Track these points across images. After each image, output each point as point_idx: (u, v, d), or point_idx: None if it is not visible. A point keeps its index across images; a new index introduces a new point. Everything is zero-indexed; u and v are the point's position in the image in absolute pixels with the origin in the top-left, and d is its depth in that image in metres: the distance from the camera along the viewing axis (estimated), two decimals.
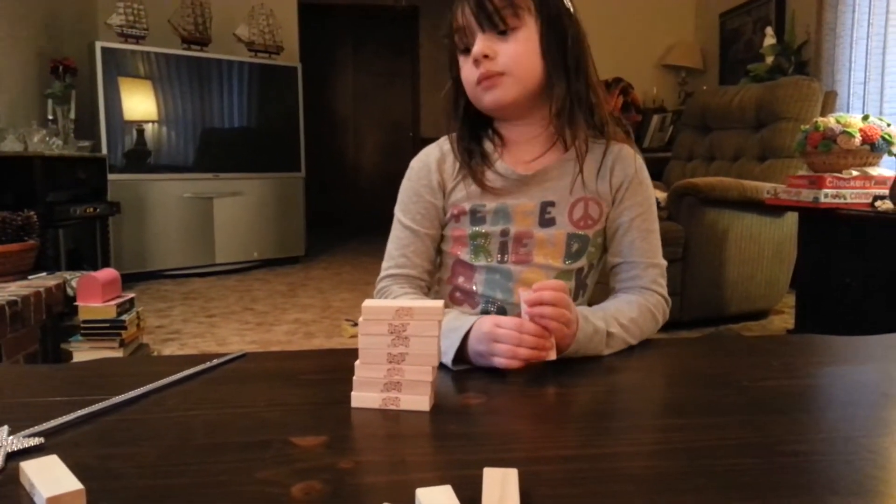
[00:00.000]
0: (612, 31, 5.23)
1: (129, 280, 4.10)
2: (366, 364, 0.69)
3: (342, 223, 7.37)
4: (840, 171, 2.38)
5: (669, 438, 0.62)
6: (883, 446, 0.60)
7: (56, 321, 2.44)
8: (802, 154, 2.57)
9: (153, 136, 4.59)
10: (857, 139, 2.36)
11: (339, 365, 0.73)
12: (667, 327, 3.15)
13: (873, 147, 2.38)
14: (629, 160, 1.00)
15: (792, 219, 2.89)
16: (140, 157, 4.49)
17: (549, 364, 0.82)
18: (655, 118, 5.05)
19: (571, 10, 0.99)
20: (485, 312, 1.01)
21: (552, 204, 0.98)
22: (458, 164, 1.02)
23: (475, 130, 1.03)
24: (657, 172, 3.93)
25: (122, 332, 2.34)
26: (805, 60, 4.00)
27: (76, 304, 2.35)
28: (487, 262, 1.00)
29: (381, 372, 0.68)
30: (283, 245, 5.15)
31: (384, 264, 1.04)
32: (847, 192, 2.33)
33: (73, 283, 2.56)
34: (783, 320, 3.15)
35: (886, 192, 2.26)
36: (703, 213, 2.94)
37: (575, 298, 1.02)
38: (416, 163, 1.06)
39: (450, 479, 0.48)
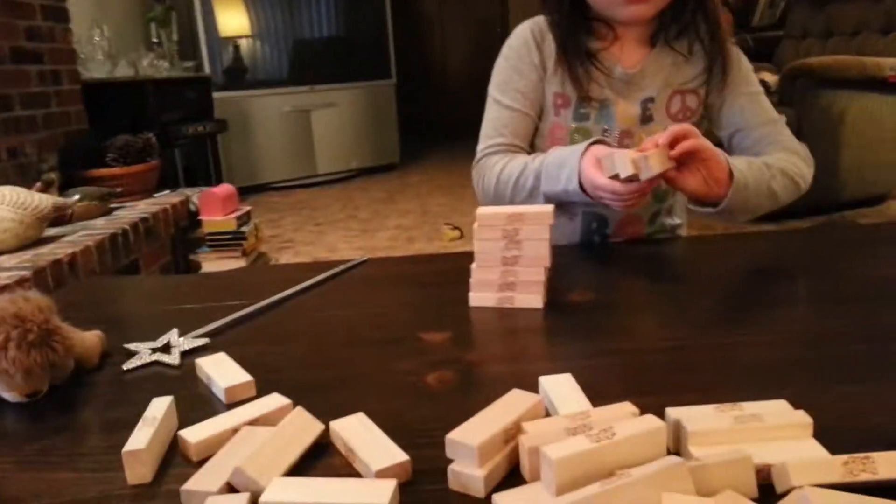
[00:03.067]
0: None
1: (240, 193, 4.32)
2: (482, 266, 0.74)
3: (433, 128, 7.38)
4: None
5: (778, 328, 0.64)
6: None
7: (183, 234, 2.64)
8: None
9: (249, 51, 4.69)
10: None
11: (456, 267, 0.78)
12: (777, 216, 3.02)
13: None
14: (732, 53, 0.99)
15: None
16: (239, 74, 4.62)
17: (656, 251, 0.85)
18: None
19: None
20: (586, 224, 1.03)
21: (651, 100, 0.98)
22: (555, 49, 0.98)
23: (578, 21, 0.98)
24: (767, 54, 3.69)
25: (243, 242, 2.51)
26: None
27: (199, 218, 2.53)
28: None
29: (496, 273, 0.73)
30: (379, 153, 5.24)
31: (479, 146, 1.02)
32: None
33: (195, 199, 2.74)
34: None
35: None
36: (817, 96, 2.76)
37: (674, 194, 1.03)
38: (513, 40, 1.02)
39: (567, 369, 0.53)
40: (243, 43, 4.65)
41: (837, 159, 2.85)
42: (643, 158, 0.76)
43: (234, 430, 0.48)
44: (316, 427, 0.47)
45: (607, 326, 0.68)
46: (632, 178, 0.78)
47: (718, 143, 0.99)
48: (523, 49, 1.00)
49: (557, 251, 0.74)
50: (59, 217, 2.00)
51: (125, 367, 0.63)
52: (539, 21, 1.01)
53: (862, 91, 2.76)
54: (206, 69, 4.34)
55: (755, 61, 3.56)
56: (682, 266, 0.86)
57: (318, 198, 4.37)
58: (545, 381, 0.51)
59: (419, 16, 7.42)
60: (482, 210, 0.73)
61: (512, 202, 0.95)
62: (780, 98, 2.84)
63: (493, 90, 1.02)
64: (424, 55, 7.53)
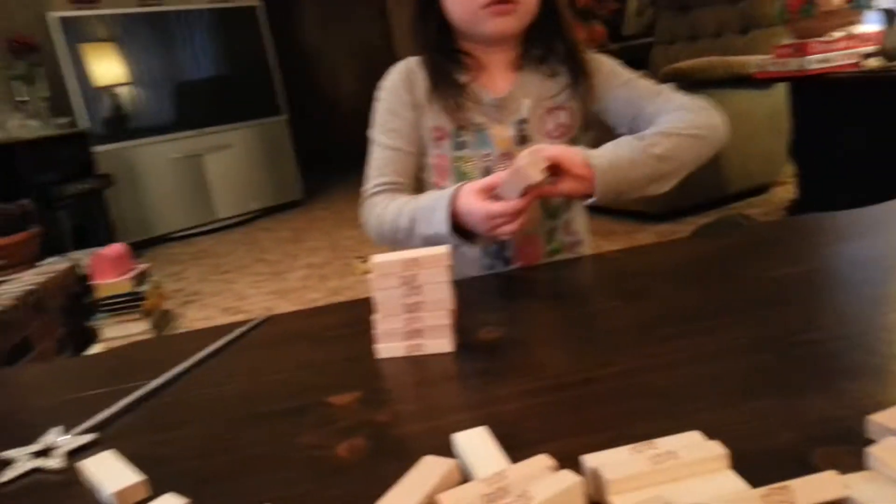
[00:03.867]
0: None
1: (137, 248, 4.12)
2: (385, 316, 0.71)
3: (333, 159, 7.32)
4: (824, 35, 2.33)
5: (684, 345, 0.64)
6: (894, 322, 0.63)
7: (77, 301, 2.49)
8: (784, 23, 2.51)
9: (129, 99, 4.51)
10: None
11: (360, 317, 0.75)
12: (671, 215, 3.15)
13: (856, 4, 2.33)
14: (591, 61, 1.03)
15: (782, 90, 2.86)
16: (120, 124, 4.43)
17: (559, 276, 0.86)
18: (632, 2, 4.90)
19: None
20: (485, 248, 1.05)
21: (524, 121, 1.01)
22: (427, 85, 1.02)
23: (445, 55, 1.02)
24: (641, 60, 3.85)
25: (142, 302, 2.39)
26: None
27: (91, 283, 2.39)
28: None
29: (401, 322, 0.71)
30: (281, 191, 5.14)
31: (364, 186, 1.04)
32: (834, 55, 2.29)
33: (84, 262, 2.59)
34: (786, 191, 3.16)
35: (875, 48, 2.22)
36: (691, 97, 2.90)
37: (567, 210, 1.05)
38: (386, 82, 1.06)
39: (484, 418, 0.51)
40: (121, 91, 4.47)
41: (720, 155, 2.98)
42: (520, 170, 0.80)
43: None
44: None
45: (519, 364, 0.67)
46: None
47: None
48: (396, 90, 1.04)
49: (461, 285, 0.73)
50: None
51: None
52: (409, 62, 1.05)
53: (732, 89, 2.92)
54: (84, 122, 4.14)
55: (632, 68, 3.72)
56: (585, 289, 0.86)
57: (221, 244, 4.23)
58: (459, 438, 0.49)
59: (302, 47, 7.37)
60: (377, 258, 0.71)
61: (394, 241, 0.99)
62: None
63: (374, 132, 1.06)
64: (313, 86, 7.48)
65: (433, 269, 0.70)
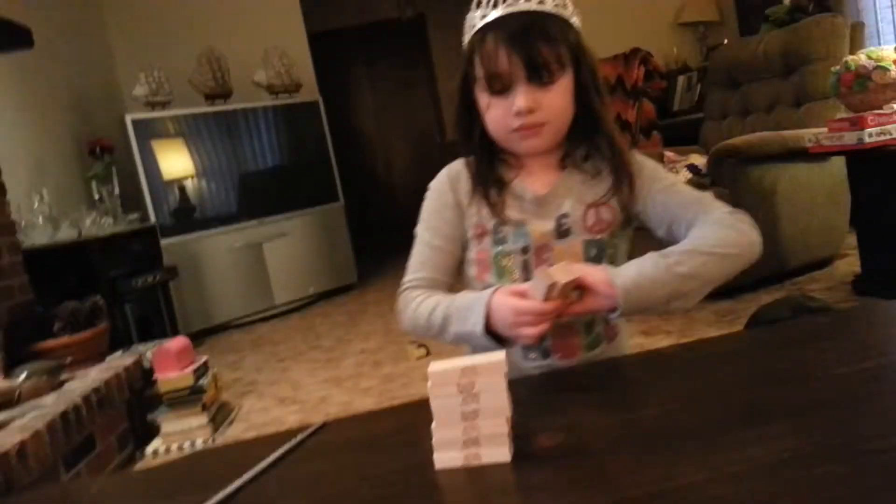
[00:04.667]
0: (621, 2, 5.15)
1: (198, 337, 4.24)
2: (442, 426, 0.71)
3: (386, 242, 7.45)
4: (881, 107, 2.30)
5: (749, 454, 0.62)
6: None
7: (139, 395, 2.55)
8: (838, 96, 2.50)
9: (195, 194, 4.72)
10: (893, 72, 2.29)
11: (417, 420, 0.75)
12: (729, 293, 3.05)
13: None
14: (634, 163, 1.04)
15: (840, 161, 2.81)
16: (187, 216, 4.63)
17: (616, 374, 0.85)
18: (681, 79, 4.96)
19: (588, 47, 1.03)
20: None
21: (566, 216, 1.02)
22: (472, 185, 1.06)
23: (490, 155, 1.07)
24: (693, 135, 3.86)
25: (203, 395, 2.43)
26: None
27: (154, 377, 2.45)
28: (512, 280, 1.02)
29: (458, 431, 0.70)
30: (336, 275, 5.24)
31: (404, 279, 1.09)
32: (892, 127, 2.26)
33: (148, 356, 2.66)
34: (848, 264, 3.06)
35: None
36: (747, 173, 2.87)
37: None
38: (434, 184, 1.11)
39: None
40: (188, 184, 4.68)
41: (778, 229, 2.94)
42: (544, 269, 0.87)
43: None
44: None
45: (579, 476, 0.65)
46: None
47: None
48: (441, 190, 1.09)
49: (512, 388, 0.72)
50: (7, 401, 1.91)
51: None
52: (455, 165, 1.11)
53: (787, 163, 2.89)
54: (152, 216, 4.34)
55: (683, 145, 3.72)
56: (643, 389, 0.84)
57: (278, 330, 4.30)
58: None
59: (358, 134, 7.64)
60: (434, 367, 0.71)
61: (426, 334, 1.03)
62: (712, 179, 2.95)
63: (419, 228, 1.11)
64: (368, 172, 7.70)
65: (490, 376, 0.70)
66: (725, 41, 4.53)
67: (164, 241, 4.30)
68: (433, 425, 0.71)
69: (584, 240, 1.02)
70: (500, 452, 0.70)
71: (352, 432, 0.89)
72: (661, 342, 2.54)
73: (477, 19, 1.00)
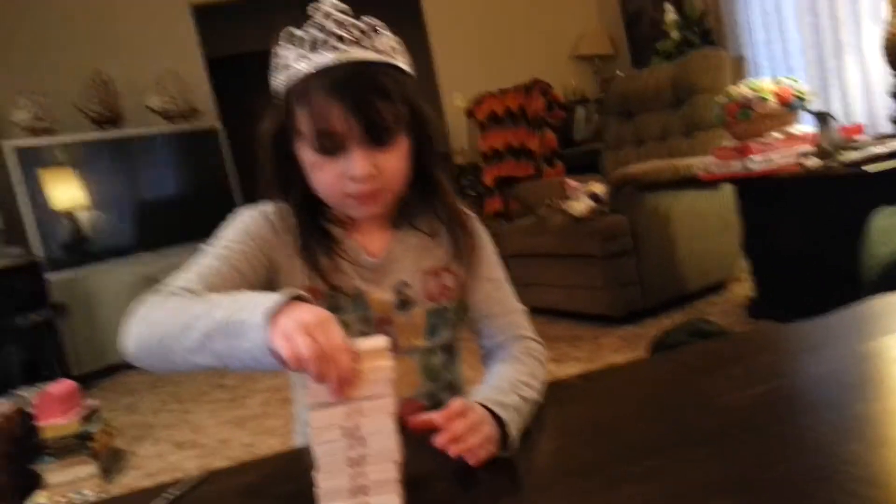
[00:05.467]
0: (520, 32, 5.29)
1: (91, 378, 3.98)
2: (326, 474, 0.67)
3: None
4: (763, 136, 2.43)
5: (649, 489, 0.61)
6: (858, 453, 0.61)
7: (20, 445, 2.35)
8: (724, 125, 2.63)
9: (87, 224, 4.46)
10: (772, 101, 2.43)
11: (305, 469, 0.70)
12: (631, 317, 3.13)
13: (790, 107, 2.45)
14: (473, 226, 0.99)
15: (729, 188, 2.95)
16: (78, 249, 4.36)
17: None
18: (579, 110, 5.12)
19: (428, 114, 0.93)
20: None
21: (405, 283, 0.94)
22: (295, 242, 0.91)
23: (312, 209, 0.92)
24: (593, 163, 3.98)
25: (91, 443, 2.27)
26: (708, 29, 4.10)
27: (37, 424, 2.27)
28: None
29: (345, 479, 0.66)
30: None
31: (166, 281, 0.85)
32: (774, 154, 2.39)
33: (32, 401, 2.47)
34: (742, 287, 3.20)
35: (812, 147, 2.32)
36: (643, 200, 2.98)
37: (448, 370, 0.99)
38: (253, 210, 0.93)
39: None
40: (80, 215, 4.42)
41: (675, 255, 3.06)
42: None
43: None
44: None
45: None
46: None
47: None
48: (259, 222, 0.92)
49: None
50: None
51: None
52: (268, 209, 0.93)
53: (681, 190, 3.02)
54: (39, 250, 4.06)
55: (584, 173, 3.82)
56: (543, 424, 0.83)
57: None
58: None
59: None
60: (315, 412, 0.67)
61: (163, 349, 0.76)
62: (612, 206, 3.04)
63: (212, 243, 0.90)
64: None
65: (377, 416, 0.66)
66: (618, 72, 4.72)
67: (52, 276, 4.04)
68: (317, 473, 0.67)
69: (427, 310, 0.95)
70: (389, 499, 0.66)
71: (235, 482, 0.83)
72: (572, 368, 2.57)
73: (295, 61, 0.85)
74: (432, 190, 0.96)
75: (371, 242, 0.95)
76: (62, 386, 2.34)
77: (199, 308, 0.74)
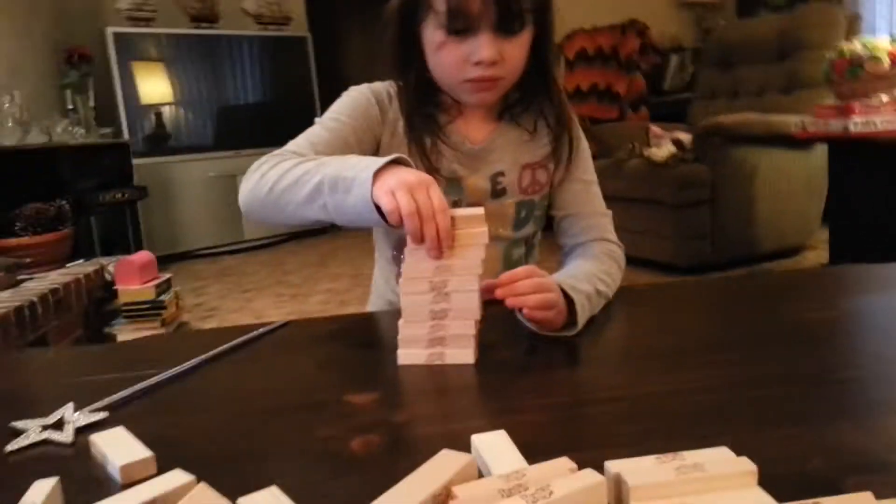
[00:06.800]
0: None
1: (162, 262, 4.14)
2: (409, 322, 0.70)
3: None
4: (869, 98, 2.31)
5: (716, 374, 0.62)
6: None
7: (97, 306, 2.50)
8: (829, 83, 2.50)
9: (171, 117, 4.62)
10: (886, 63, 2.30)
11: (381, 326, 0.74)
12: (698, 269, 3.10)
13: None
14: (576, 133, 1.00)
15: (822, 151, 2.83)
16: (161, 140, 4.53)
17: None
18: (674, 58, 4.94)
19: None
20: None
21: (502, 174, 0.96)
22: (401, 121, 0.94)
23: (426, 94, 0.94)
24: (680, 114, 3.86)
25: (163, 311, 2.39)
26: None
27: (115, 287, 2.41)
28: None
29: (425, 329, 0.70)
30: None
31: (279, 150, 0.88)
32: (878, 119, 2.27)
33: (111, 268, 2.61)
34: (817, 255, 3.11)
35: None
36: (729, 152, 2.89)
37: (525, 262, 1.01)
38: (357, 89, 0.97)
39: (503, 425, 0.49)
40: (165, 110, 4.58)
41: (753, 213, 2.97)
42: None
43: None
44: None
45: (542, 380, 0.65)
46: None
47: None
48: (367, 99, 0.95)
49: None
50: None
51: (9, 448, 0.56)
52: (380, 87, 0.97)
53: (771, 147, 2.91)
54: (126, 136, 4.23)
55: (669, 122, 3.73)
56: (610, 317, 0.84)
57: (245, 264, 4.26)
58: (477, 439, 0.47)
59: (347, 81, 7.47)
60: (408, 263, 0.70)
61: (276, 206, 0.81)
62: (695, 155, 2.96)
63: (321, 118, 0.95)
64: None
65: (464, 276, 0.69)
66: (722, 22, 4.51)
67: (136, 161, 4.21)
68: (400, 321, 0.70)
69: (517, 201, 0.97)
70: (464, 354, 0.69)
71: (318, 330, 0.87)
72: None
73: None
74: (543, 85, 0.96)
75: (474, 131, 0.96)
76: (141, 255, 2.46)
77: (310, 166, 0.80)
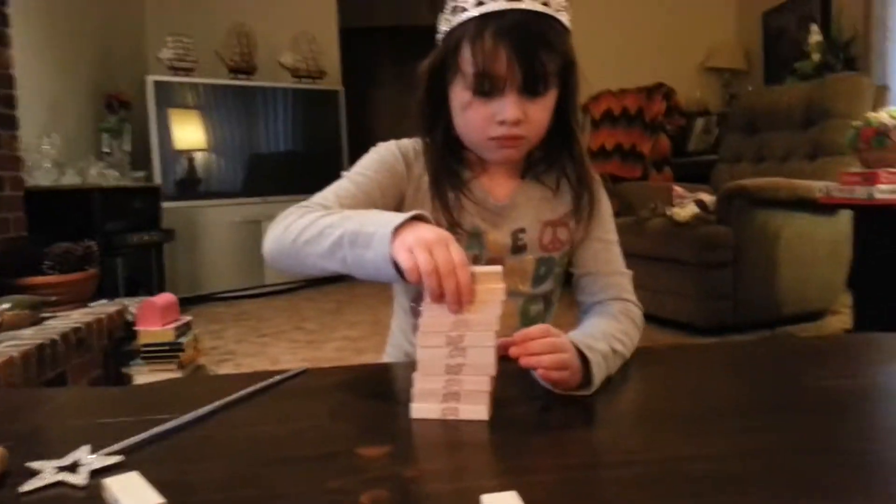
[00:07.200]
0: (652, 35, 5.19)
1: (183, 304, 4.17)
2: (425, 375, 0.70)
3: None
4: (895, 167, 2.31)
5: (734, 441, 0.62)
6: None
7: (117, 346, 2.52)
8: (854, 150, 2.50)
9: (203, 163, 4.73)
10: None
11: (396, 377, 0.74)
12: (718, 330, 3.05)
13: None
14: (597, 191, 1.01)
15: (846, 217, 2.81)
16: (191, 185, 4.63)
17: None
18: (699, 121, 4.98)
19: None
20: None
21: (523, 230, 0.97)
22: (425, 176, 0.96)
23: (450, 150, 0.97)
24: (703, 176, 3.87)
25: (181, 353, 2.41)
26: (853, 56, 3.90)
27: (136, 328, 2.43)
28: None
29: (440, 383, 0.70)
30: None
31: (306, 202, 0.91)
32: None
33: (133, 309, 2.64)
34: (840, 321, 3.06)
35: None
36: (753, 215, 2.88)
37: (543, 318, 1.01)
38: (384, 146, 1.00)
39: (514, 486, 0.49)
40: (198, 156, 4.69)
41: (776, 276, 2.94)
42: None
43: None
44: None
45: (557, 440, 0.65)
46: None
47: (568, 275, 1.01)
48: (393, 155, 0.98)
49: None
50: None
51: (22, 489, 0.56)
52: (407, 143, 1.00)
53: (795, 211, 2.90)
54: (158, 177, 4.33)
55: (693, 182, 3.74)
56: (632, 379, 0.84)
57: (263, 309, 4.28)
58: (488, 499, 0.47)
59: (375, 135, 7.57)
60: (426, 317, 0.71)
61: (297, 256, 0.83)
62: (719, 217, 2.96)
63: (348, 172, 0.97)
64: None
65: (482, 331, 0.69)
66: (750, 88, 4.56)
67: (165, 205, 4.29)
68: (415, 374, 0.70)
69: (537, 258, 0.98)
70: (478, 410, 0.69)
71: (334, 379, 0.87)
72: None
73: (471, 5, 0.86)
74: (566, 144, 0.98)
75: (498, 187, 0.98)
76: (164, 297, 2.49)
77: (334, 220, 0.82)
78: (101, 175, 3.59)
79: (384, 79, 7.63)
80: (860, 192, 2.33)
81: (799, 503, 0.49)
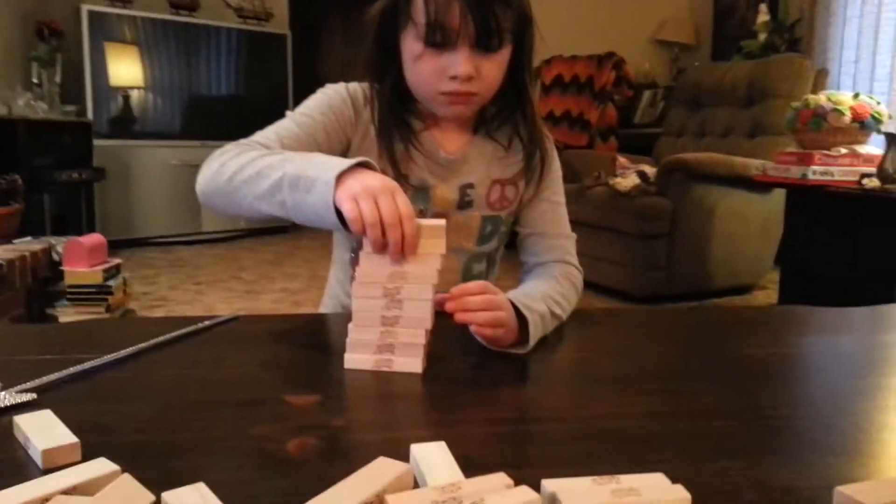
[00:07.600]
0: (605, 6, 5.19)
1: (114, 247, 4.05)
2: (360, 327, 0.69)
3: None
4: (829, 149, 2.39)
5: (658, 402, 0.63)
6: (864, 410, 0.62)
7: (42, 286, 2.43)
8: (792, 131, 2.58)
9: (139, 102, 4.53)
10: (848, 117, 2.38)
11: (331, 328, 0.73)
12: (652, 300, 3.13)
13: (863, 125, 2.40)
14: (548, 152, 1.00)
15: (779, 196, 2.91)
16: (126, 124, 4.44)
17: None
18: (647, 94, 5.03)
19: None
20: None
21: (471, 186, 0.96)
22: (375, 125, 0.93)
23: (399, 99, 0.93)
24: (647, 148, 3.93)
25: (109, 297, 2.34)
26: (798, 38, 3.99)
27: (62, 268, 2.34)
28: None
29: (375, 334, 0.69)
30: None
31: (245, 140, 0.87)
32: (835, 169, 2.34)
33: (59, 249, 2.54)
34: (767, 295, 3.18)
35: (874, 169, 2.28)
36: (691, 189, 2.95)
37: (485, 277, 1.01)
38: (333, 88, 0.96)
39: (443, 437, 0.49)
40: (134, 93, 4.49)
41: (708, 250, 3.03)
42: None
43: (45, 500, 0.40)
44: (144, 498, 0.40)
45: (488, 396, 0.65)
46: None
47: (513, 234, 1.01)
48: (342, 98, 0.94)
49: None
50: None
51: None
52: (357, 87, 0.96)
53: (731, 187, 2.98)
54: (90, 115, 4.13)
55: (636, 154, 3.79)
56: (562, 338, 0.85)
57: (200, 256, 4.18)
58: (416, 449, 0.47)
59: (322, 82, 7.44)
60: (363, 267, 0.69)
61: (232, 196, 0.80)
62: (658, 189, 3.01)
63: (292, 112, 0.93)
64: None
65: (418, 285, 0.68)
66: (696, 63, 4.62)
67: (97, 142, 4.11)
68: (350, 324, 0.69)
69: (483, 215, 0.97)
70: (412, 362, 0.68)
71: (263, 327, 0.86)
72: None
73: None
74: (519, 102, 0.96)
75: (449, 141, 0.96)
76: (92, 238, 2.41)
77: (274, 160, 0.78)
78: (29, 106, 3.41)
79: (334, 24, 7.42)
80: (794, 172, 2.41)
81: (717, 463, 0.50)
